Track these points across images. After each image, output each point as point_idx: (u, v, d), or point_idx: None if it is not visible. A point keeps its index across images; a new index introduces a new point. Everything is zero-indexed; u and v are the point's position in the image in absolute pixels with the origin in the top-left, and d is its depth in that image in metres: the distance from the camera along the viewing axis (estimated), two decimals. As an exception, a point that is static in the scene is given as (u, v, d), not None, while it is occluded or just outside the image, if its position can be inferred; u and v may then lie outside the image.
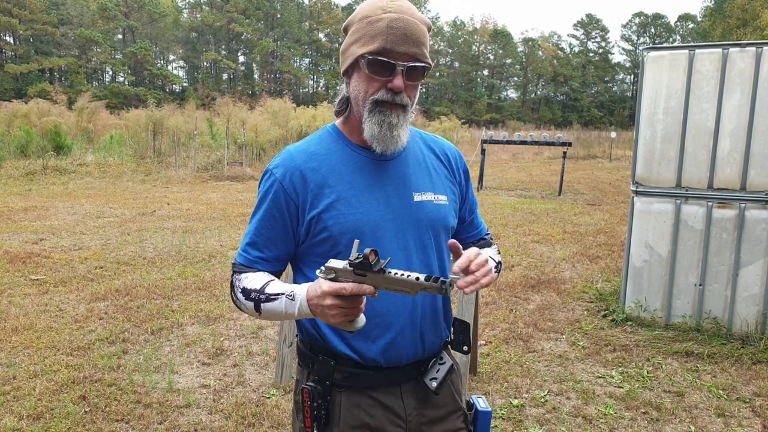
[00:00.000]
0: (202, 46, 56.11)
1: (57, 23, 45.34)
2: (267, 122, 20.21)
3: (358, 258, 1.07)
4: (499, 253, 1.54)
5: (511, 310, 5.05)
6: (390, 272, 1.07)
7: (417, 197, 1.33)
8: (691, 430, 3.11)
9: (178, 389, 3.49)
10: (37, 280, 5.76)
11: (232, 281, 1.34)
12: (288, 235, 1.31)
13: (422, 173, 1.37)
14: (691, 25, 64.74)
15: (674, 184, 4.42)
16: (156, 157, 18.08)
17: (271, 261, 1.33)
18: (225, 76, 58.28)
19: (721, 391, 3.53)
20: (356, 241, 1.11)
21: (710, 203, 4.30)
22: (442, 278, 1.03)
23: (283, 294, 1.20)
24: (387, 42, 1.19)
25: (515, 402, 3.38)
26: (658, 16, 66.91)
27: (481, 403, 1.43)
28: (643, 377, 3.74)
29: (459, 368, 1.46)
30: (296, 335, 1.44)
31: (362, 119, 1.27)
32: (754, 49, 4.13)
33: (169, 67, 58.15)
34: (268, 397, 3.41)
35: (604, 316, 4.87)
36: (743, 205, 4.20)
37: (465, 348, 1.39)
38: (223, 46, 57.06)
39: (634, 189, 4.58)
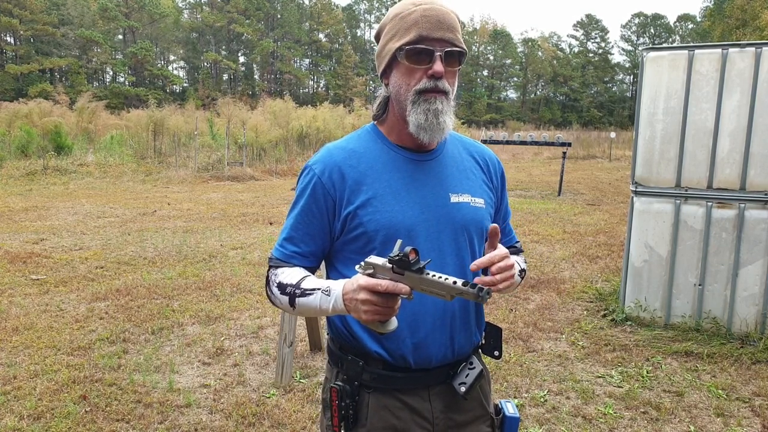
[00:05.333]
0: (202, 46, 56.13)
1: (57, 23, 45.35)
2: (267, 122, 20.22)
3: (397, 255, 1.06)
4: (526, 262, 1.53)
5: (511, 309, 5.05)
6: (428, 274, 1.05)
7: (454, 198, 1.32)
8: (690, 430, 3.11)
9: (179, 389, 3.50)
10: (38, 280, 5.77)
11: (267, 276, 1.34)
12: (325, 230, 1.31)
13: (460, 175, 1.36)
14: (690, 26, 64.74)
15: (674, 184, 4.42)
16: (156, 157, 18.10)
17: (308, 256, 1.33)
18: (225, 76, 58.30)
19: (720, 391, 3.53)
20: (399, 241, 1.10)
21: (710, 203, 4.31)
22: (479, 285, 1.01)
23: (318, 289, 1.20)
24: (422, 29, 1.21)
25: (515, 402, 3.39)
26: (657, 17, 66.91)
27: (510, 409, 1.41)
28: (643, 377, 3.74)
29: (488, 373, 1.45)
30: (327, 334, 1.43)
31: (406, 114, 1.26)
32: (753, 49, 4.13)
33: (170, 68, 58.19)
34: (269, 397, 3.41)
35: (604, 315, 4.88)
36: (743, 205, 4.21)
37: (496, 353, 1.39)
38: (224, 47, 57.08)
39: (634, 189, 4.59)
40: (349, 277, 1.20)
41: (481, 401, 1.40)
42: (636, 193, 4.58)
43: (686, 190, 4.39)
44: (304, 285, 1.23)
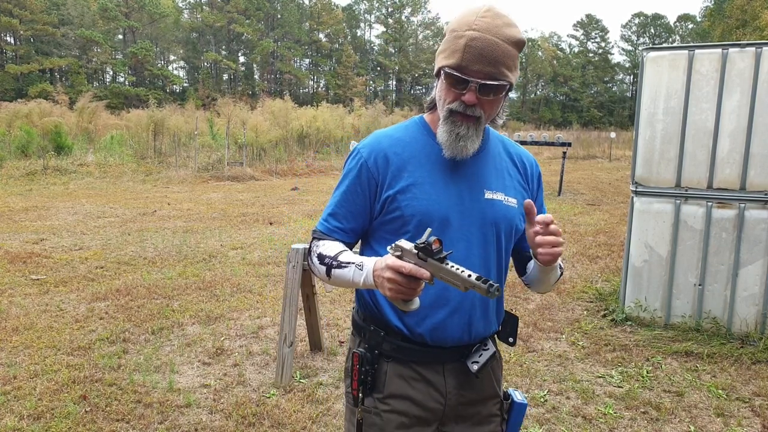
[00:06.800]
0: (202, 46, 56.11)
1: (57, 23, 45.34)
2: (267, 122, 20.22)
3: (423, 243, 1.16)
4: (564, 261, 1.59)
5: (511, 309, 5.05)
6: (448, 264, 1.14)
7: (488, 195, 1.40)
8: (690, 430, 3.11)
9: (179, 389, 3.50)
10: (38, 280, 5.77)
11: (310, 246, 1.45)
12: (366, 209, 1.41)
13: (497, 174, 1.44)
14: (690, 26, 64.72)
15: (674, 184, 4.42)
16: (156, 157, 18.09)
17: (348, 232, 1.43)
18: (225, 76, 58.29)
19: (720, 391, 3.53)
20: (429, 230, 1.20)
21: (710, 203, 4.31)
22: (491, 281, 1.08)
23: (353, 263, 1.30)
24: (463, 59, 1.27)
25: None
26: (657, 17, 66.90)
27: (518, 396, 1.51)
28: (643, 377, 3.74)
29: (501, 357, 1.54)
30: (353, 307, 1.55)
31: (439, 123, 1.37)
32: (753, 49, 4.13)
33: (170, 68, 58.16)
34: (269, 397, 3.41)
35: (604, 315, 4.88)
36: (743, 205, 4.21)
37: (511, 339, 1.47)
38: (224, 47, 57.06)
39: (634, 189, 4.58)
40: (382, 256, 1.29)
41: (493, 383, 1.48)
42: (636, 193, 4.58)
43: (686, 190, 4.39)
44: (341, 258, 1.33)
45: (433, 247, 1.14)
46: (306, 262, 1.46)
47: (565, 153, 14.28)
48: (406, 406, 1.38)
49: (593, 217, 10.24)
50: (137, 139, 19.31)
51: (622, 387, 3.61)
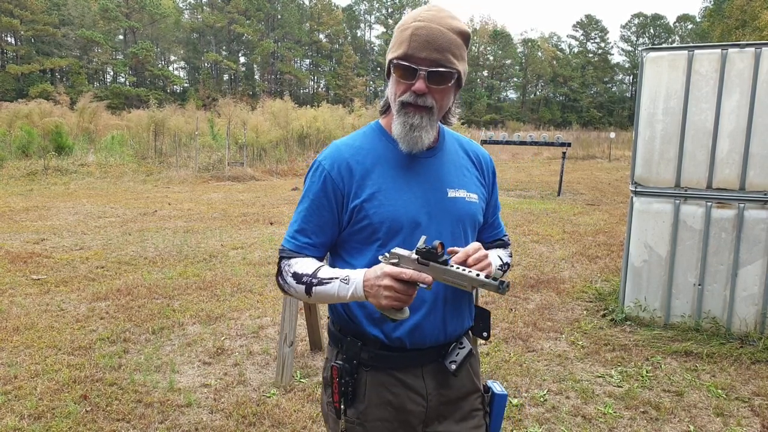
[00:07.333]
0: (203, 46, 56.14)
1: (58, 24, 45.38)
2: (268, 123, 20.22)
3: (425, 248, 1.17)
4: (511, 256, 1.62)
5: (511, 309, 5.06)
6: (452, 266, 1.16)
7: (451, 193, 1.42)
8: (690, 430, 3.12)
9: (179, 389, 3.51)
10: (39, 279, 5.77)
11: (279, 266, 1.41)
12: (334, 222, 1.39)
13: (456, 172, 1.46)
14: (690, 26, 64.75)
15: (673, 184, 4.43)
16: (157, 157, 18.10)
17: (318, 247, 1.41)
18: (226, 76, 58.31)
19: (720, 391, 3.54)
20: (423, 237, 1.22)
21: (709, 203, 4.32)
22: (501, 279, 1.11)
23: (336, 278, 1.28)
24: (410, 48, 1.28)
25: (515, 401, 3.40)
26: (657, 17, 66.91)
27: (497, 387, 1.53)
28: (643, 377, 3.75)
29: (478, 353, 1.55)
30: (328, 317, 1.53)
31: (393, 119, 1.38)
32: (753, 49, 4.14)
33: (170, 68, 58.18)
34: (269, 397, 3.42)
35: (604, 315, 4.88)
36: (742, 205, 4.21)
37: (485, 334, 1.48)
38: (224, 47, 57.09)
39: (634, 189, 4.59)
40: (354, 266, 1.29)
41: (472, 378, 1.49)
42: (636, 193, 4.59)
43: (686, 190, 4.39)
44: (321, 275, 1.31)
45: (438, 250, 1.16)
46: (278, 282, 1.42)
47: (564, 153, 14.28)
48: (388, 413, 1.39)
49: (593, 217, 10.24)
50: (138, 139, 19.31)
51: (621, 387, 3.61)
